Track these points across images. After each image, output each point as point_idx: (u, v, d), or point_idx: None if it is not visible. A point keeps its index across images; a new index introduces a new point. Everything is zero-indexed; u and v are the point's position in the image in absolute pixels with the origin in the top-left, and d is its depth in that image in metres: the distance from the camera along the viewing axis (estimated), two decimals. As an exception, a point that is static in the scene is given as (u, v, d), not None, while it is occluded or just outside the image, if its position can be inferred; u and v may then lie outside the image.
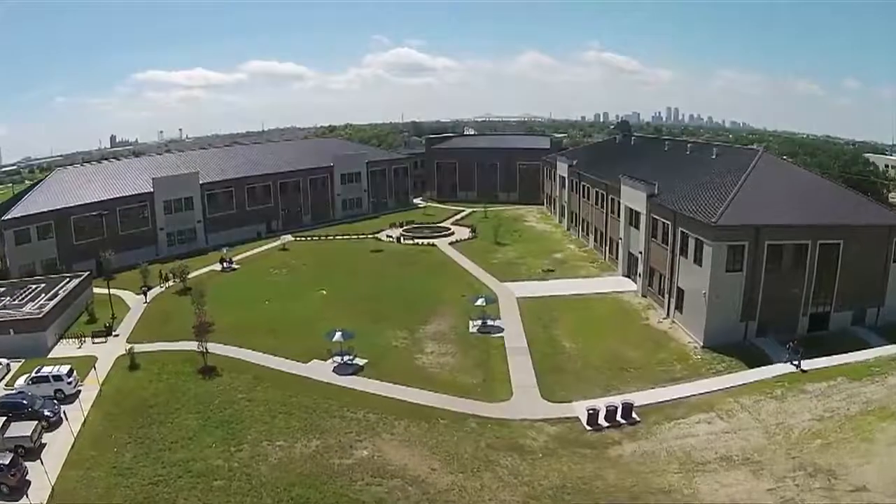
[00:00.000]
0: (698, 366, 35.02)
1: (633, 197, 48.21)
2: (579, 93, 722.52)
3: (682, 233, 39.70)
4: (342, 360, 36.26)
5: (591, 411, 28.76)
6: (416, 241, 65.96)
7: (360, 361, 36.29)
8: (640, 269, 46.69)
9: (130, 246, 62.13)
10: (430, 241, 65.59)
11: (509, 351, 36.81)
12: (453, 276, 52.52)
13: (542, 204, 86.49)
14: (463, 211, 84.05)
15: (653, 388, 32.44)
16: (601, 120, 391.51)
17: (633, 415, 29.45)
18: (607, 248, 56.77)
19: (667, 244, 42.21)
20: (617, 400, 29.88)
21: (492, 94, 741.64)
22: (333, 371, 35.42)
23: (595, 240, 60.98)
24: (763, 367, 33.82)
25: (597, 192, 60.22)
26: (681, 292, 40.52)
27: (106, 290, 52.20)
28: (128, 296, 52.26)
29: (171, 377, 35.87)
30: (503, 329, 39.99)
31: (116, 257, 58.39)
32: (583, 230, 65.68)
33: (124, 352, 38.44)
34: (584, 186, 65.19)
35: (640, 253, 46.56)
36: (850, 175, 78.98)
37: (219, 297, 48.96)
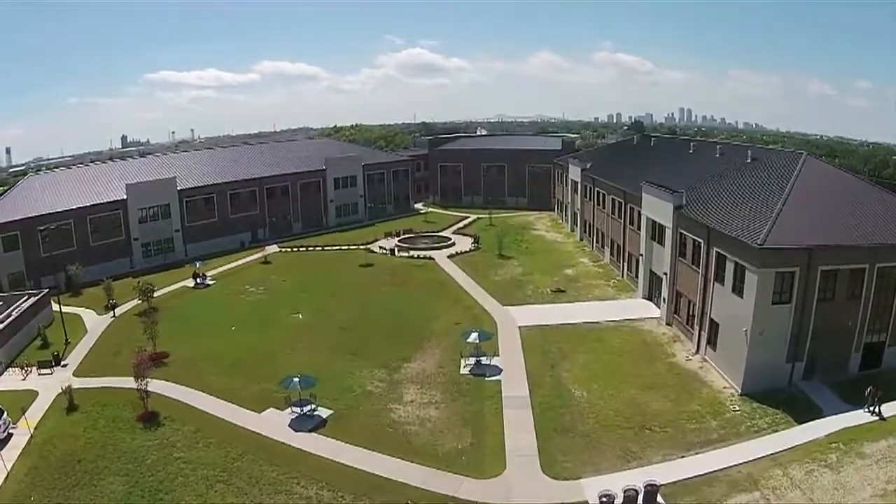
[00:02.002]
0: (737, 422, 28.22)
1: (656, 208, 41.28)
2: (592, 93, 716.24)
3: (718, 254, 32.79)
4: (301, 411, 29.98)
5: (604, 499, 22.09)
6: (412, 253, 59.49)
7: (323, 413, 29.97)
8: (665, 292, 39.80)
9: (103, 258, 57.36)
10: (428, 252, 59.12)
11: (506, 401, 30.18)
12: (448, 298, 45.93)
13: (553, 210, 79.59)
14: (467, 217, 77.39)
15: (682, 456, 25.67)
16: (614, 121, 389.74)
17: (659, 499, 22.77)
18: (625, 264, 49.83)
19: (698, 266, 35.31)
20: (638, 479, 23.15)
21: (504, 94, 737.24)
22: (290, 425, 29.12)
23: (611, 254, 54.04)
24: (813, 423, 27.30)
25: (613, 200, 53.25)
26: (714, 325, 33.67)
27: (70, 308, 47.19)
28: (89, 316, 46.79)
29: (107, 424, 30.22)
30: (500, 370, 33.36)
31: (88, 270, 54.03)
32: (597, 242, 58.74)
33: (62, 390, 32.70)
34: (598, 193, 58.23)
35: (665, 274, 39.65)
36: (883, 179, 71.24)
37: (184, 319, 44.00)
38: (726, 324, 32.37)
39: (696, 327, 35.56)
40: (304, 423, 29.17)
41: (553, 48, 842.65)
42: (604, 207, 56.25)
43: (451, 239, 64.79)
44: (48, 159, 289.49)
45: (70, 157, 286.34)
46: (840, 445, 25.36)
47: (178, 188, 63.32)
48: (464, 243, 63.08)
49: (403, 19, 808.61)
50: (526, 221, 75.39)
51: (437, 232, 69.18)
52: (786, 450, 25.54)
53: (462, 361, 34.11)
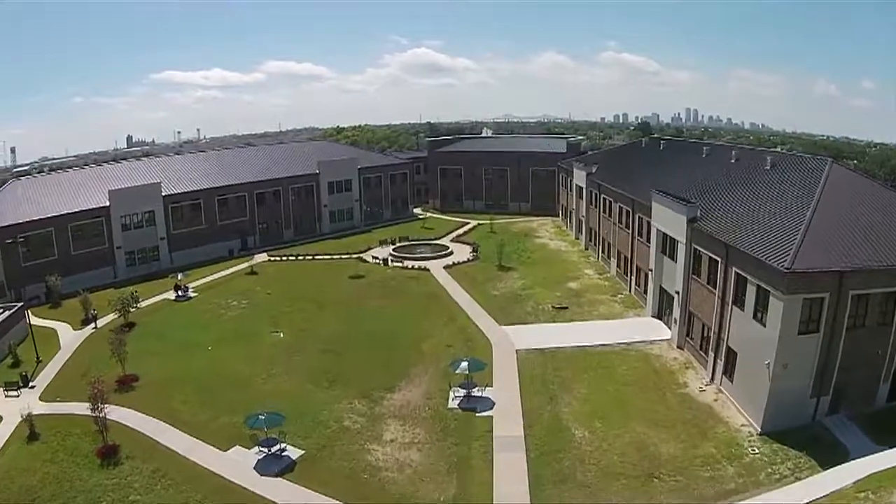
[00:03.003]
0: (756, 468, 24.84)
1: (667, 219, 37.79)
2: (598, 94, 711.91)
3: (738, 275, 29.30)
4: (268, 450, 26.84)
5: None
6: (406, 263, 56.23)
7: (293, 453, 26.82)
8: (677, 313, 36.33)
9: (85, 268, 54.59)
10: (423, 263, 55.89)
11: (497, 442, 26.82)
12: (441, 316, 42.58)
13: (558, 216, 76.08)
14: (467, 223, 73.98)
15: (697, 513, 22.38)
16: (620, 121, 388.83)
17: (673, 572, 19.46)
18: (633, 277, 46.32)
19: (714, 287, 31.82)
20: (648, 548, 19.88)
21: (510, 95, 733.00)
22: (255, 467, 25.99)
23: (618, 265, 50.53)
24: (839, 467, 23.92)
25: (620, 209, 49.74)
26: (732, 353, 30.23)
27: (48, 322, 45.04)
28: (65, 330, 44.04)
29: (66, 458, 27.44)
30: (493, 403, 29.97)
31: (69, 280, 51.25)
32: (604, 252, 55.24)
33: (22, 418, 30.02)
34: (604, 200, 54.74)
35: (677, 293, 36.17)
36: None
37: (160, 336, 41.14)
38: (746, 353, 28.93)
39: (712, 354, 32.11)
40: (271, 466, 26.03)
41: (559, 48, 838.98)
42: (610, 215, 52.76)
43: (448, 248, 61.43)
44: (52, 159, 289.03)
45: (74, 156, 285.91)
46: (869, 494, 21.89)
47: (164, 194, 60.45)
48: (462, 252, 59.75)
49: (408, 19, 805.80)
50: (529, 228, 71.91)
51: (435, 240, 65.84)
52: (810, 502, 22.19)
53: (451, 393, 30.77)
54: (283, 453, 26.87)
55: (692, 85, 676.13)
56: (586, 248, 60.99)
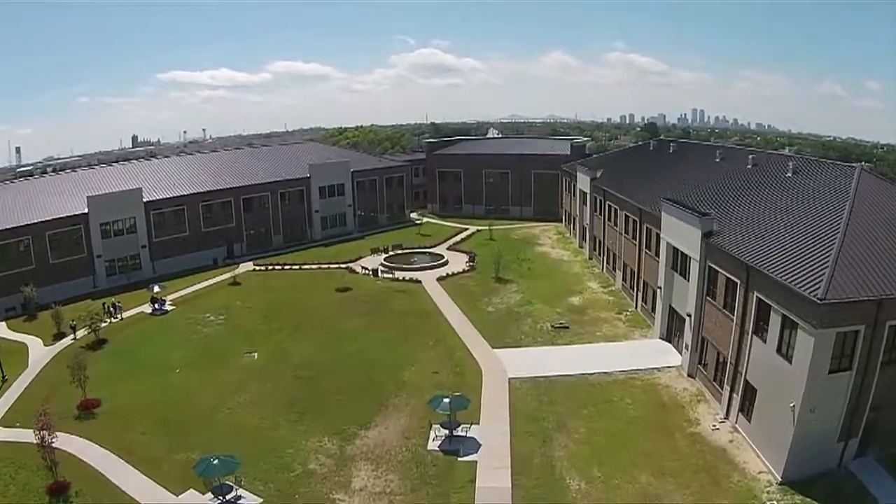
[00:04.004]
0: (778, 527, 21.30)
1: (679, 232, 34.05)
2: (604, 94, 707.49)
3: (760, 301, 25.58)
4: (222, 498, 23.55)
5: None
6: (397, 275, 52.75)
7: (249, 500, 23.55)
8: (688, 337, 32.64)
9: (64, 277, 51.82)
10: (415, 274, 52.43)
11: (481, 495, 23.20)
12: (429, 336, 38.94)
13: (562, 221, 72.36)
14: (466, 230, 70.41)
15: None
16: (627, 122, 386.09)
17: None
18: (640, 293, 42.61)
19: (731, 312, 28.12)
20: None
21: (517, 95, 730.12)
22: (206, 520, 22.81)
23: (624, 279, 46.81)
24: None
25: (626, 217, 46.02)
26: (750, 388, 26.57)
27: (19, 335, 42.82)
28: (36, 345, 41.50)
29: (18, 492, 25.17)
30: (479, 445, 26.39)
31: (48, 290, 48.71)
32: (608, 263, 51.52)
33: None
34: (609, 207, 51.03)
35: (689, 315, 32.48)
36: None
37: (129, 355, 38.43)
38: (767, 390, 25.26)
39: (727, 387, 28.43)
40: (222, 519, 22.78)
41: (565, 48, 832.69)
42: (615, 224, 49.04)
43: (443, 257, 57.83)
44: (57, 159, 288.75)
45: (79, 156, 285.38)
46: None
47: (145, 200, 57.42)
48: (458, 262, 56.20)
49: (416, 19, 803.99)
50: (530, 235, 68.24)
51: (430, 248, 62.30)
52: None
53: (431, 433, 27.25)
54: (239, 501, 23.62)
55: (698, 85, 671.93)
56: (590, 258, 57.31)
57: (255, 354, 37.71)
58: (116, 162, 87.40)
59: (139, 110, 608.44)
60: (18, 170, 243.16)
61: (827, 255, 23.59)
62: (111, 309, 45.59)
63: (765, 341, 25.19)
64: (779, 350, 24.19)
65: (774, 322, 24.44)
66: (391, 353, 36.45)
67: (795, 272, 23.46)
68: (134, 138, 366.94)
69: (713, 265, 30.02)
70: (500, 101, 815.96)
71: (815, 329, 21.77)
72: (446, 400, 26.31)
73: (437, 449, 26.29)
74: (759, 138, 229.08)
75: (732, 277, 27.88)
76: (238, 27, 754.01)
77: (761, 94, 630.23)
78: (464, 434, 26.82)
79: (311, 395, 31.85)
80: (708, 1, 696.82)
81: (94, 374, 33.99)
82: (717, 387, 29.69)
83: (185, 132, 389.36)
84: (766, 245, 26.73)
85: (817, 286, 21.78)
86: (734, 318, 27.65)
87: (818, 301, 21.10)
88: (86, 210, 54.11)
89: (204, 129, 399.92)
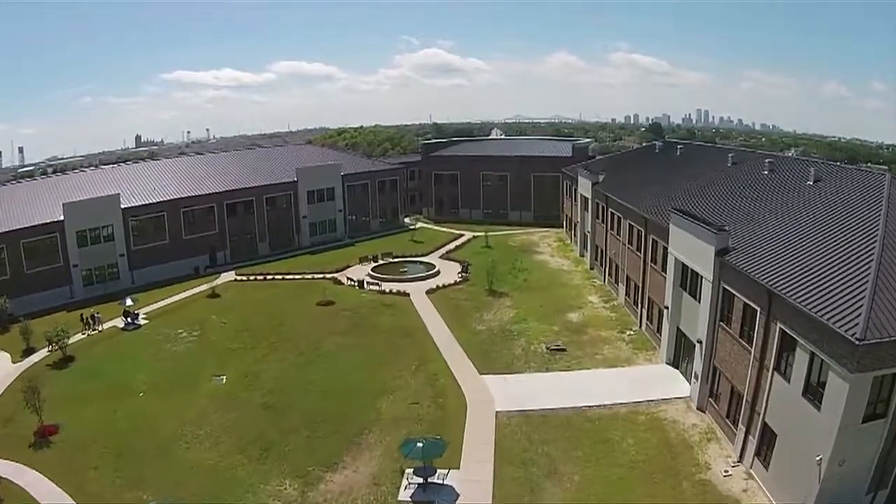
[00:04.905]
0: None
1: (689, 247, 30.51)
2: (609, 94, 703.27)
3: (784, 334, 22.07)
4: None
5: None
6: (384, 286, 49.42)
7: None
8: (699, 367, 29.14)
9: (39, 287, 49.12)
10: (404, 286, 49.10)
11: (455, 563, 20.02)
12: (412, 359, 35.51)
13: (563, 227, 68.85)
14: (462, 236, 67.09)
15: None
16: (631, 122, 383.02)
17: None
18: (644, 310, 39.09)
19: (749, 343, 24.58)
20: None
21: (521, 95, 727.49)
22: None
23: (627, 293, 43.27)
24: None
25: (630, 227, 42.50)
26: (769, 432, 23.08)
27: None
28: (3, 361, 38.69)
29: None
30: (457, 496, 22.97)
31: (23, 301, 46.31)
32: (611, 275, 47.99)
33: None
34: (612, 214, 47.51)
35: (700, 342, 28.98)
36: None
37: (95, 375, 35.68)
38: (788, 437, 21.77)
39: (742, 427, 24.92)
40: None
41: (570, 49, 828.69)
42: (619, 234, 45.51)
43: (435, 266, 54.42)
44: (60, 159, 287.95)
45: (83, 156, 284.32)
46: None
47: (123, 206, 54.45)
48: (450, 272, 52.82)
49: (420, 20, 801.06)
50: (529, 242, 64.76)
51: (421, 256, 58.95)
52: None
53: (404, 479, 23.89)
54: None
55: (703, 86, 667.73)
56: (591, 269, 53.81)
57: (224, 378, 34.48)
58: (116, 162, 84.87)
59: (143, 110, 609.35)
60: (21, 170, 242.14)
61: (862, 284, 20.05)
62: (90, 320, 43.11)
63: (788, 381, 21.68)
64: (805, 393, 20.69)
65: (801, 361, 20.91)
66: (369, 378, 33.10)
67: (827, 302, 19.93)
68: (137, 138, 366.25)
69: (728, 287, 26.47)
70: (504, 102, 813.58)
71: (850, 373, 18.27)
72: (420, 445, 22.89)
73: (409, 499, 22.91)
74: (763, 139, 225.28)
75: (751, 304, 24.30)
76: (242, 27, 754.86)
77: (766, 95, 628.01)
78: (440, 482, 23.43)
79: (276, 428, 28.58)
80: (712, 1, 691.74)
81: (57, 395, 31.87)
82: (731, 425, 26.20)
83: (188, 132, 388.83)
84: (791, 267, 23.14)
85: (854, 323, 18.25)
86: (752, 351, 24.11)
87: (857, 342, 17.58)
88: (61, 217, 51.27)
89: (208, 129, 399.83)
